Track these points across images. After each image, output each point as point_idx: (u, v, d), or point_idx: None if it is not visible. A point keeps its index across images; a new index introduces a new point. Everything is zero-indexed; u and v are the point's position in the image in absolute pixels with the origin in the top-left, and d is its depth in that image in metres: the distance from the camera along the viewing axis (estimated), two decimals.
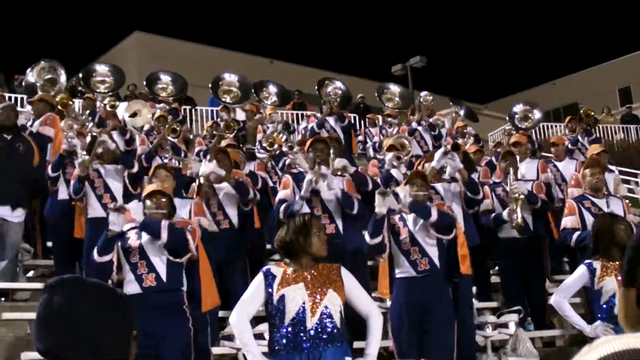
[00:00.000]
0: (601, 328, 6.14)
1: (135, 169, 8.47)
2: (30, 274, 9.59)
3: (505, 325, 8.21)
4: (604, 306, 6.25)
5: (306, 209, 7.58)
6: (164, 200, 6.60)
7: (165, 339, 6.01)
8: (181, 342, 6.13)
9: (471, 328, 7.87)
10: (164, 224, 6.32)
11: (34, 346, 2.29)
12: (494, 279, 9.89)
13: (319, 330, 4.69)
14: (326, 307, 4.74)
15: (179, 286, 6.33)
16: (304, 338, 4.68)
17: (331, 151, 8.30)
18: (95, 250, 6.35)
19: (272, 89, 15.21)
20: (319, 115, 14.31)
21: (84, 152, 8.24)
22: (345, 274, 4.99)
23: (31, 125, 10.01)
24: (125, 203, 6.91)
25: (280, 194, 8.12)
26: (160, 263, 6.27)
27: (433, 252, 6.61)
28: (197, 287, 6.53)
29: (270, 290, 4.83)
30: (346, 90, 15.10)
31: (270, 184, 10.20)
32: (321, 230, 5.09)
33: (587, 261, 6.50)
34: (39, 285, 8.74)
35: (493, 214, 8.89)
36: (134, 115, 10.91)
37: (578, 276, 6.49)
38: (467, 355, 7.65)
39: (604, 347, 1.31)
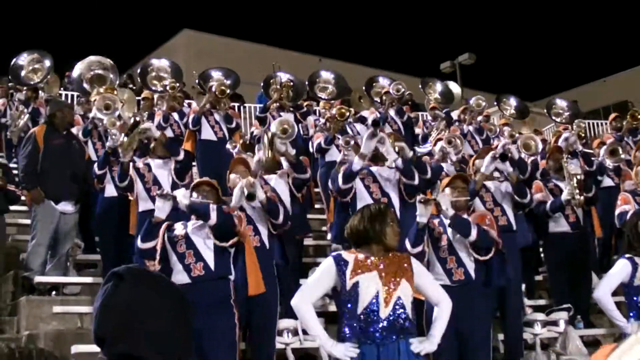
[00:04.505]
0: None
1: (181, 157, 8.18)
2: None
3: (554, 323, 8.12)
4: None
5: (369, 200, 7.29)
6: (210, 190, 6.53)
7: (210, 339, 5.90)
8: (225, 342, 6.05)
9: (518, 328, 7.83)
10: (213, 206, 6.26)
11: (93, 333, 2.25)
12: (540, 277, 9.85)
13: (392, 320, 4.59)
14: (399, 298, 4.64)
15: (227, 273, 6.24)
16: (377, 328, 4.59)
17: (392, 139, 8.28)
18: (139, 237, 6.34)
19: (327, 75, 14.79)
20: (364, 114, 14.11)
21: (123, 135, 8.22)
22: (415, 263, 4.92)
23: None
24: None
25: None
26: (207, 251, 6.18)
27: (469, 263, 6.39)
28: (243, 272, 6.40)
29: (343, 276, 4.70)
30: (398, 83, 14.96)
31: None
32: (394, 221, 4.95)
33: (627, 255, 6.38)
34: (89, 279, 8.87)
35: (550, 201, 8.75)
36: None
37: (619, 269, 6.36)
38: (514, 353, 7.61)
39: None
